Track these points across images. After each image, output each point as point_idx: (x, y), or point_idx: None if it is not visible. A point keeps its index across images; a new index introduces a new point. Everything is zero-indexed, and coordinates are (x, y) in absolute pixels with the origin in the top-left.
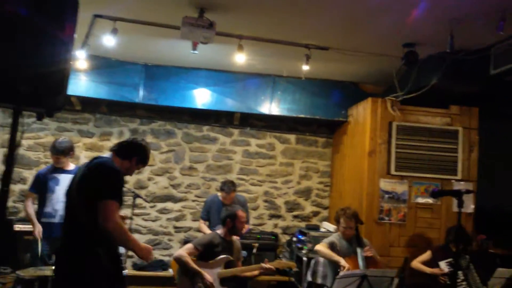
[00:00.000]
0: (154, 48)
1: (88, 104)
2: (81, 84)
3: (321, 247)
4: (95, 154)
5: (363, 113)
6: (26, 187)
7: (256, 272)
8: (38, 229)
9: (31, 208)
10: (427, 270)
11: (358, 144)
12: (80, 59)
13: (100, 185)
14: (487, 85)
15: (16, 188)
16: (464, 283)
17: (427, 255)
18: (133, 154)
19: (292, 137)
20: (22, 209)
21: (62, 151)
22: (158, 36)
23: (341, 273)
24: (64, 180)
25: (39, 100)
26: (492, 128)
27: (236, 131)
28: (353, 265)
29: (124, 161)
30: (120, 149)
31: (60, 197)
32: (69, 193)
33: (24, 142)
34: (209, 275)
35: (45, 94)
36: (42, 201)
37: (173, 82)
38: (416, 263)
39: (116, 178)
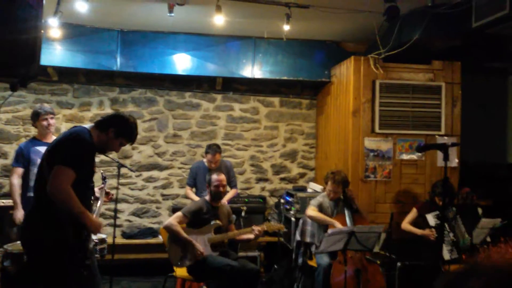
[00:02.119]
0: (129, 12)
1: (65, 74)
2: (56, 53)
3: (312, 212)
4: (76, 125)
5: (346, 73)
6: (7, 161)
7: (248, 236)
8: (20, 215)
9: (17, 187)
10: (418, 232)
11: (342, 104)
12: (53, 27)
13: (60, 151)
14: (469, 38)
15: None
16: (450, 234)
17: (413, 213)
18: (109, 126)
19: (276, 100)
20: (6, 184)
21: (52, 111)
22: None
23: (329, 231)
24: None
25: (11, 69)
26: (474, 82)
27: (219, 96)
28: (341, 223)
29: (101, 133)
30: (99, 121)
31: None
32: (42, 161)
33: (2, 116)
34: (200, 241)
35: (17, 63)
36: (25, 175)
37: (151, 48)
38: (406, 225)
39: (79, 147)
